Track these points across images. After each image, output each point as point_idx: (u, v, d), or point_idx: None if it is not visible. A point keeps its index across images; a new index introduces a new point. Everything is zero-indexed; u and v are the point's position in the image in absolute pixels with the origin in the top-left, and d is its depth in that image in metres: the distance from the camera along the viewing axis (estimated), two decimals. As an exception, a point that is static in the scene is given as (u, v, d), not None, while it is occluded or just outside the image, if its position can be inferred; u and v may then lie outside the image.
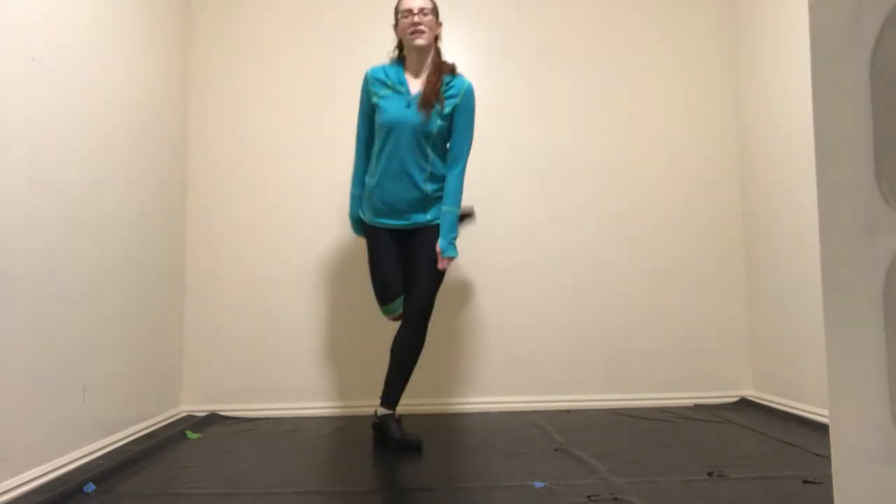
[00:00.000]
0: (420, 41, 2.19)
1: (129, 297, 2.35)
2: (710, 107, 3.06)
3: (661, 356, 2.94)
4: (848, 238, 0.60)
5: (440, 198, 2.25)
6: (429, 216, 2.24)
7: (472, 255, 2.88)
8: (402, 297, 2.28)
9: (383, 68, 2.29)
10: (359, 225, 2.37)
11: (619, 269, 2.96)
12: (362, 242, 2.89)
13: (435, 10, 2.26)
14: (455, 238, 2.23)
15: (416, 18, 2.18)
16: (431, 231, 2.23)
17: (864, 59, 0.57)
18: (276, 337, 2.86)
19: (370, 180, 2.27)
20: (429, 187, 2.22)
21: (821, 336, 2.50)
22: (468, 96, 2.22)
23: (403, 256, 2.28)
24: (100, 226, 2.15)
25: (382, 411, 2.24)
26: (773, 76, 2.75)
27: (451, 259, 2.22)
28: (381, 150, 2.22)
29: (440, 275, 2.24)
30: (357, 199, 2.35)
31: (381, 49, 2.98)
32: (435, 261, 2.21)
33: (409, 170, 2.19)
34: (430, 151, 2.21)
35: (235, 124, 2.94)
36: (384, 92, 2.23)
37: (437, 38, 2.27)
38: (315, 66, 2.97)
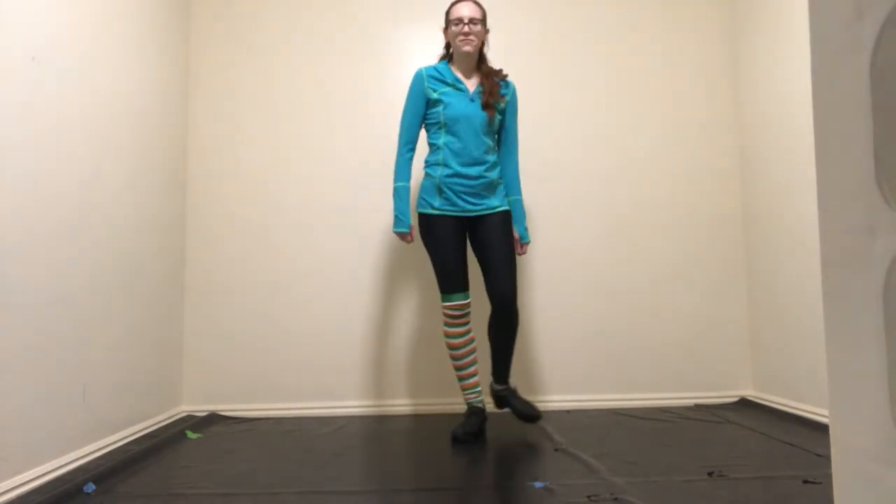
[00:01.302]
0: (468, 48, 2.33)
1: (130, 296, 2.35)
2: (710, 107, 3.06)
3: (661, 356, 2.94)
4: (848, 238, 0.60)
5: (501, 185, 2.42)
6: (495, 202, 2.37)
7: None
8: (464, 293, 2.35)
9: (435, 67, 2.40)
10: (406, 220, 2.34)
11: (619, 270, 2.96)
12: (363, 242, 2.91)
13: (484, 19, 2.38)
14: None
15: (467, 28, 2.31)
16: (498, 216, 2.36)
17: (864, 59, 0.57)
18: (276, 337, 2.86)
19: (439, 170, 2.33)
20: (493, 174, 2.37)
21: (821, 336, 2.51)
22: (515, 95, 2.48)
23: (472, 244, 2.41)
24: (100, 226, 2.15)
25: (498, 387, 2.40)
26: (773, 77, 2.75)
27: (527, 245, 2.45)
28: (449, 141, 2.32)
29: (515, 259, 2.39)
30: (405, 191, 2.35)
31: (381, 48, 2.99)
32: (509, 245, 2.35)
33: (478, 159, 2.32)
34: (490, 142, 2.38)
35: (235, 124, 2.94)
36: (444, 89, 2.35)
37: (483, 43, 2.41)
38: (315, 65, 2.97)
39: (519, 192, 2.45)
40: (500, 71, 2.45)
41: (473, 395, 2.37)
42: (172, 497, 1.69)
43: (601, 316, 2.94)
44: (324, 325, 2.87)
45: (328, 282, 2.89)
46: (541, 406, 2.85)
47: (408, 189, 2.36)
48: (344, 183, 2.93)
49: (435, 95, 2.34)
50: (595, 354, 2.92)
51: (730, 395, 2.93)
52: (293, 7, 3.00)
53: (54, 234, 1.89)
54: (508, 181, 2.44)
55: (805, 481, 1.73)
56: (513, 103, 2.45)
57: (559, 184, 2.97)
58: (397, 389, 2.85)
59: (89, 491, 1.72)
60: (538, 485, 1.73)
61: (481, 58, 2.42)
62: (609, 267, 2.96)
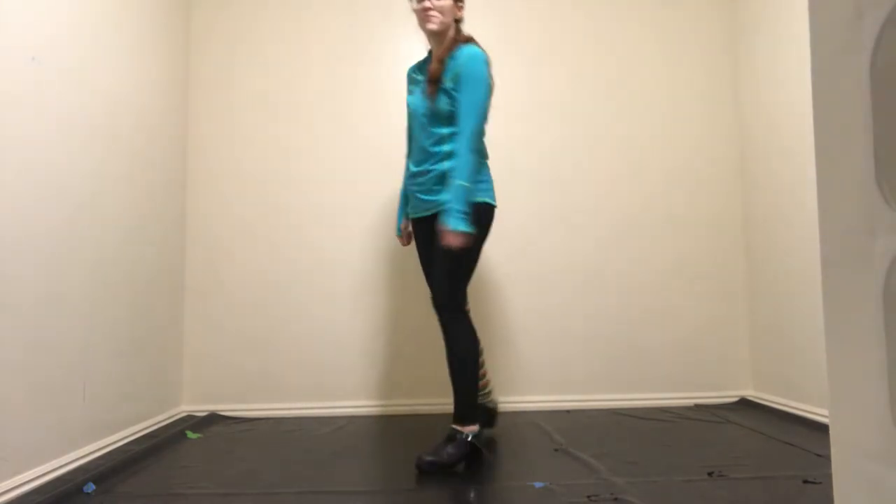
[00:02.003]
0: (431, 26, 2.03)
1: (130, 297, 2.35)
2: (710, 108, 3.06)
3: (661, 356, 2.94)
4: (848, 238, 0.60)
5: None
6: (447, 195, 1.95)
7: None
8: None
9: (417, 63, 2.25)
10: (397, 223, 2.33)
11: (619, 270, 2.96)
12: (363, 242, 2.91)
13: None
14: (462, 211, 1.88)
15: (427, 3, 2.02)
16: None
17: (864, 59, 0.57)
18: (276, 337, 2.86)
19: (405, 173, 2.26)
20: (446, 165, 2.01)
21: (821, 336, 2.51)
22: (467, 62, 1.96)
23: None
24: (100, 226, 2.15)
25: (451, 426, 2.02)
26: (774, 77, 2.75)
27: (458, 234, 1.87)
28: (409, 141, 2.24)
29: (455, 260, 1.96)
30: (402, 195, 2.32)
31: (381, 48, 2.99)
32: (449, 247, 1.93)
33: (427, 155, 2.06)
34: (444, 131, 2.02)
35: (235, 125, 2.94)
36: (411, 86, 2.23)
37: (457, 20, 2.10)
38: (315, 65, 2.97)
39: (462, 178, 1.91)
40: (466, 37, 2.08)
41: (481, 396, 2.36)
42: (172, 497, 1.69)
43: (601, 316, 2.94)
44: (324, 324, 2.87)
45: (328, 282, 2.89)
46: (541, 406, 2.86)
47: (403, 194, 2.32)
48: (344, 183, 2.93)
49: (408, 96, 2.22)
50: (595, 354, 2.92)
51: (730, 395, 2.93)
52: (293, 7, 3.00)
53: (54, 233, 1.89)
54: (455, 165, 1.94)
55: (805, 481, 1.73)
56: (464, 74, 1.95)
57: (559, 184, 2.97)
58: (397, 389, 2.85)
59: (89, 491, 1.72)
60: (538, 485, 1.73)
61: (456, 37, 2.07)
62: (609, 267, 2.96)
